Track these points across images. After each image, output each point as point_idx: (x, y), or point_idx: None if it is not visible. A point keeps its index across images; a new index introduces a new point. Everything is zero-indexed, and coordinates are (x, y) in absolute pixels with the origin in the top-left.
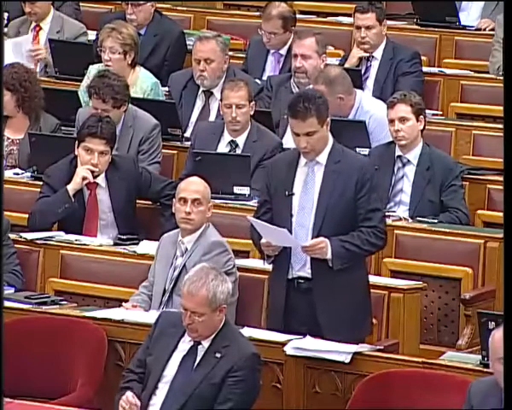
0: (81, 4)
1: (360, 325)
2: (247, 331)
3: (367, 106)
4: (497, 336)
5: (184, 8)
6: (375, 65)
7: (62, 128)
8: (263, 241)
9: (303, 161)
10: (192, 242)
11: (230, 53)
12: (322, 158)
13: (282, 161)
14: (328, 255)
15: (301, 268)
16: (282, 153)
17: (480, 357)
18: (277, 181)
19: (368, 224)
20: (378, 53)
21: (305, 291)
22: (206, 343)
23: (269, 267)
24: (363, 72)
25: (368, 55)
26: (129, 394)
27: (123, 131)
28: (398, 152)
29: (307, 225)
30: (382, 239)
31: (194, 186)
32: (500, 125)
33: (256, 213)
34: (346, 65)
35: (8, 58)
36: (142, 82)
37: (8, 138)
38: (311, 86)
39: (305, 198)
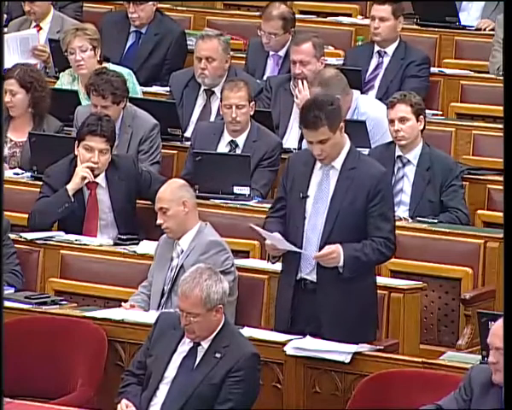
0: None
1: (364, 331)
2: (247, 331)
3: (363, 107)
4: (495, 325)
5: (184, 8)
6: (385, 62)
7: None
8: (267, 242)
9: (319, 163)
10: (188, 242)
11: (231, 53)
12: (338, 163)
13: (300, 160)
14: (341, 263)
15: (309, 273)
16: (303, 150)
17: (479, 357)
18: (293, 180)
19: (378, 234)
20: (390, 50)
21: (312, 292)
22: (205, 344)
23: (269, 267)
24: (373, 68)
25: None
26: (122, 403)
27: (122, 131)
28: (398, 152)
29: (318, 229)
30: (392, 250)
31: (157, 195)
32: (500, 125)
33: (271, 208)
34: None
35: (14, 54)
36: None
37: (12, 140)
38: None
39: (318, 202)
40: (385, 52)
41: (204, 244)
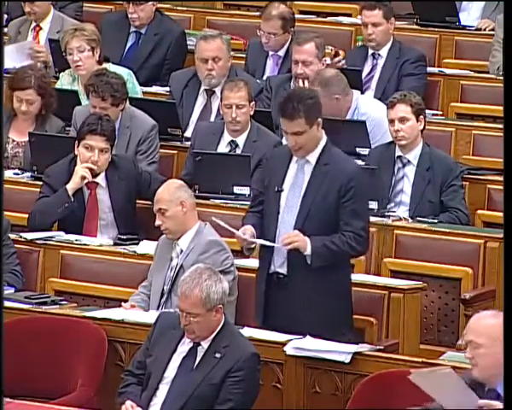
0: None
1: (339, 326)
2: (247, 331)
3: (363, 108)
4: (470, 321)
5: (184, 8)
6: (380, 63)
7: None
8: (237, 234)
9: (295, 158)
10: (187, 242)
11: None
12: (312, 158)
13: (278, 156)
14: (308, 251)
15: (281, 265)
16: (281, 147)
17: None
18: (271, 175)
19: (348, 229)
20: (384, 51)
21: (284, 285)
22: (205, 344)
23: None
24: (369, 70)
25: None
26: (127, 404)
27: (120, 132)
28: (398, 152)
29: (290, 223)
30: (363, 245)
31: (156, 196)
32: (500, 125)
33: (250, 204)
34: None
35: (11, 61)
36: None
37: (14, 141)
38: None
39: (291, 196)
40: (379, 54)
41: (203, 244)
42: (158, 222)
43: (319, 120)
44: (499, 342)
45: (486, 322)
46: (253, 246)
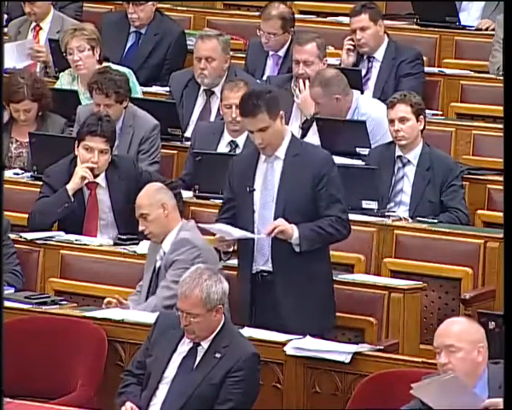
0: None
1: (324, 318)
2: (247, 331)
3: (364, 108)
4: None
5: (184, 8)
6: (376, 66)
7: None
8: (216, 236)
9: (263, 156)
10: (169, 244)
11: (230, 53)
12: (281, 152)
13: (243, 158)
14: (295, 235)
15: (264, 263)
16: (245, 150)
17: None
18: (239, 178)
19: (329, 213)
20: (379, 54)
21: (270, 284)
22: (205, 344)
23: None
24: (364, 73)
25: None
26: (127, 406)
27: (123, 131)
28: (398, 152)
29: (268, 220)
30: (346, 228)
31: (136, 202)
32: (500, 125)
33: (220, 211)
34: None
35: (11, 60)
36: None
37: (17, 141)
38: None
39: (265, 193)
40: (373, 57)
41: (173, 242)
42: (141, 227)
43: (281, 113)
44: (477, 347)
45: (463, 327)
46: (230, 249)
